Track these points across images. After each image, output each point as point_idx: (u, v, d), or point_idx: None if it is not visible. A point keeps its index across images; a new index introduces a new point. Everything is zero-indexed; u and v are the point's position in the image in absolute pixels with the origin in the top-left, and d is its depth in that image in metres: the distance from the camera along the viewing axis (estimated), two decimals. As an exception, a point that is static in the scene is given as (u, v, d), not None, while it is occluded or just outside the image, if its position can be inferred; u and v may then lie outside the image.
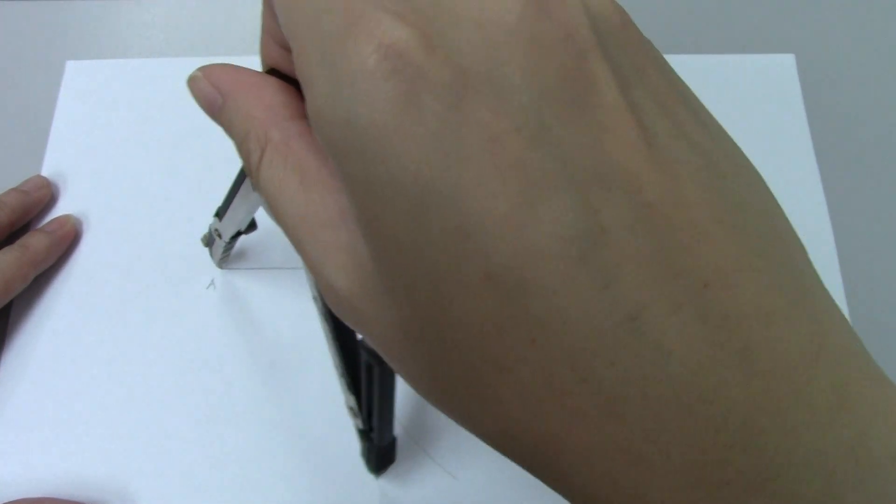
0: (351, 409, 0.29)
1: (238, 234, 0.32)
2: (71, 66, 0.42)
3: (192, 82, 0.19)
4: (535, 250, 0.13)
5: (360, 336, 0.25)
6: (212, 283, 0.37)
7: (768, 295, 0.13)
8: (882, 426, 0.13)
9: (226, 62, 0.19)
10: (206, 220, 0.35)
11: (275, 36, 0.18)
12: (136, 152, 0.40)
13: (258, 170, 0.17)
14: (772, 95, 0.40)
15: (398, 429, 0.33)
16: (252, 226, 0.32)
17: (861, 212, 0.38)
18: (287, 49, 0.16)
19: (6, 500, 0.32)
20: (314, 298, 0.26)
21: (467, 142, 0.13)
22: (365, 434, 0.30)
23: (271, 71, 0.19)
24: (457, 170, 0.13)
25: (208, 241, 0.35)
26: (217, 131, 0.42)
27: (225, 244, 0.33)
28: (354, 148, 0.14)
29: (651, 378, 0.12)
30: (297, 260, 0.38)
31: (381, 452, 0.31)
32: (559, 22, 0.14)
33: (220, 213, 0.31)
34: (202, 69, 0.19)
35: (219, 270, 0.37)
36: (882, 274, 0.36)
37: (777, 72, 0.41)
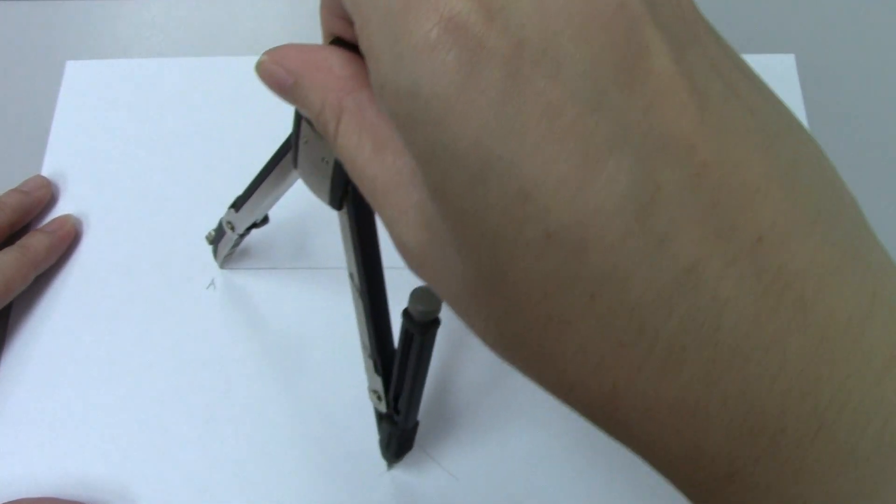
0: (375, 392, 0.29)
1: (253, 225, 0.32)
2: (71, 66, 0.42)
3: (260, 67, 0.20)
4: (593, 210, 0.13)
5: (405, 306, 0.25)
6: (212, 283, 0.37)
7: (822, 249, 0.13)
8: None
9: (290, 45, 0.20)
10: (205, 220, 0.35)
11: (333, 10, 0.19)
12: (136, 152, 0.40)
13: (335, 138, 0.18)
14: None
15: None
16: (265, 219, 0.32)
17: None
18: (346, 20, 0.17)
19: (6, 500, 0.32)
20: (350, 276, 0.26)
21: (526, 109, 0.13)
22: (387, 418, 0.29)
23: (335, 41, 0.20)
24: (517, 136, 0.14)
25: (215, 237, 0.35)
26: (217, 131, 0.42)
27: (236, 238, 0.33)
28: (418, 118, 0.14)
29: (708, 328, 0.13)
30: (296, 260, 0.38)
31: (402, 437, 0.31)
32: None
33: (237, 204, 0.31)
34: (268, 53, 0.20)
35: (219, 270, 0.37)
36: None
37: (777, 72, 0.41)
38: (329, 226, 0.37)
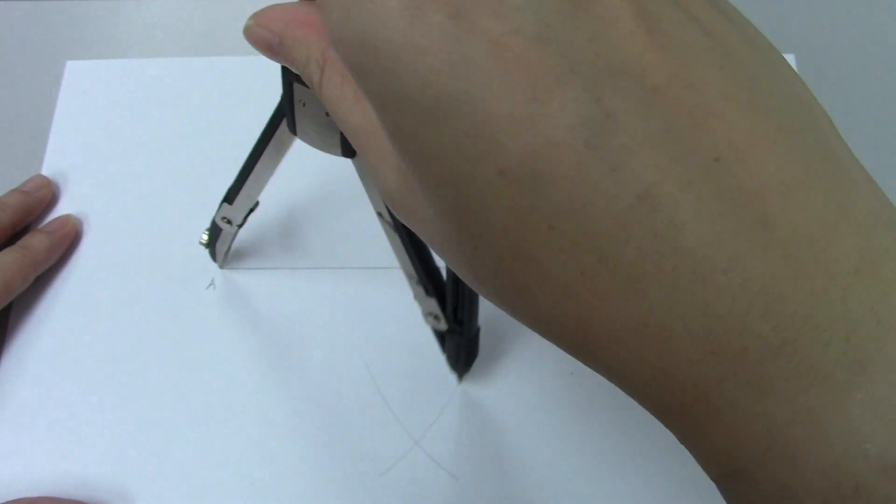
0: (431, 314, 0.30)
1: (249, 212, 0.32)
2: (71, 66, 0.42)
3: (248, 31, 0.21)
4: (544, 142, 0.13)
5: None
6: (212, 282, 0.37)
7: (786, 165, 0.13)
8: None
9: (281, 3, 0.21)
10: (206, 220, 0.35)
11: None
12: (136, 152, 0.40)
13: (320, 87, 0.19)
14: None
15: (400, 430, 0.33)
16: (256, 204, 0.33)
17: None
18: None
19: (6, 500, 0.32)
20: (378, 214, 0.26)
21: (471, 48, 0.14)
22: (450, 333, 0.30)
23: None
24: (463, 76, 0.14)
25: (211, 238, 0.35)
26: (217, 131, 0.42)
27: (235, 230, 0.33)
28: (369, 66, 0.15)
29: (666, 252, 0.13)
30: (297, 259, 0.38)
31: (470, 346, 0.31)
32: None
33: (230, 197, 0.31)
34: (254, 17, 0.20)
35: (219, 270, 0.37)
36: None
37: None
38: (329, 225, 0.37)
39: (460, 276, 0.17)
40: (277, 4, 0.21)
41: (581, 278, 0.14)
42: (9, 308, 0.36)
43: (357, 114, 0.18)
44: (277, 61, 0.20)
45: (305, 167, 0.39)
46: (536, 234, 0.14)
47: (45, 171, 0.39)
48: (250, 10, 0.21)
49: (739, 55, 0.14)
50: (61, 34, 0.43)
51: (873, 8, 0.43)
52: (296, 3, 0.20)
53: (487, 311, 0.35)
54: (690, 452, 0.15)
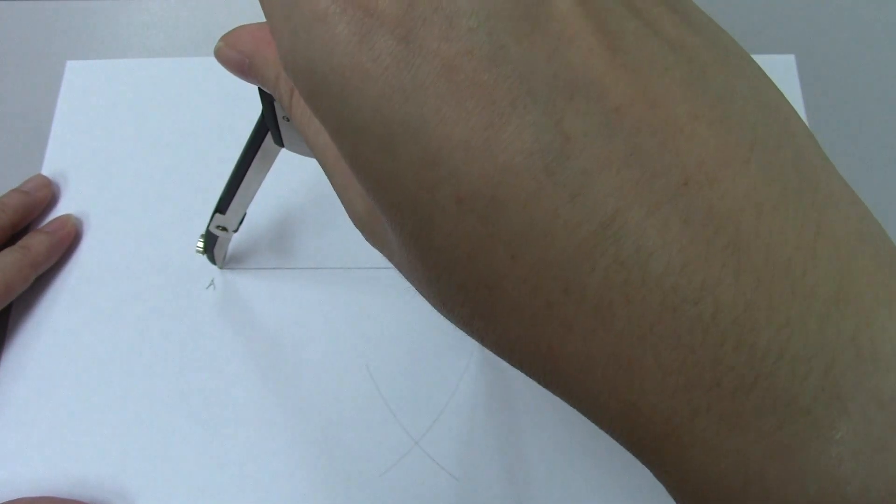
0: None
1: (243, 217, 0.33)
2: (71, 66, 0.42)
3: (218, 53, 0.20)
4: (501, 169, 0.13)
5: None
6: (212, 282, 0.37)
7: (760, 185, 0.13)
8: (887, 317, 0.12)
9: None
10: (205, 220, 0.35)
11: None
12: (136, 152, 0.40)
13: (290, 108, 0.19)
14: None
15: (400, 430, 0.33)
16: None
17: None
18: None
19: (6, 500, 0.32)
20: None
21: (422, 72, 0.13)
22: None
23: None
24: (415, 101, 0.13)
25: (207, 246, 0.35)
26: (217, 131, 0.42)
27: (231, 235, 0.33)
28: (320, 93, 0.14)
29: (633, 282, 0.12)
30: (297, 260, 0.38)
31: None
32: None
33: (222, 207, 0.31)
34: (224, 38, 0.20)
35: (219, 271, 0.37)
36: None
37: (777, 72, 0.41)
38: (330, 225, 0.37)
39: (430, 304, 0.16)
40: (246, 25, 0.21)
41: (547, 308, 0.13)
42: (9, 308, 0.36)
43: (323, 136, 0.17)
44: (249, 82, 0.20)
45: (305, 167, 0.39)
46: (498, 263, 0.13)
47: (45, 171, 0.39)
48: (250, 11, 0.21)
49: (708, 69, 0.14)
50: (61, 34, 0.43)
51: (873, 8, 0.43)
52: (265, 23, 0.20)
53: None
54: (665, 487, 0.14)
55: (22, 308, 0.36)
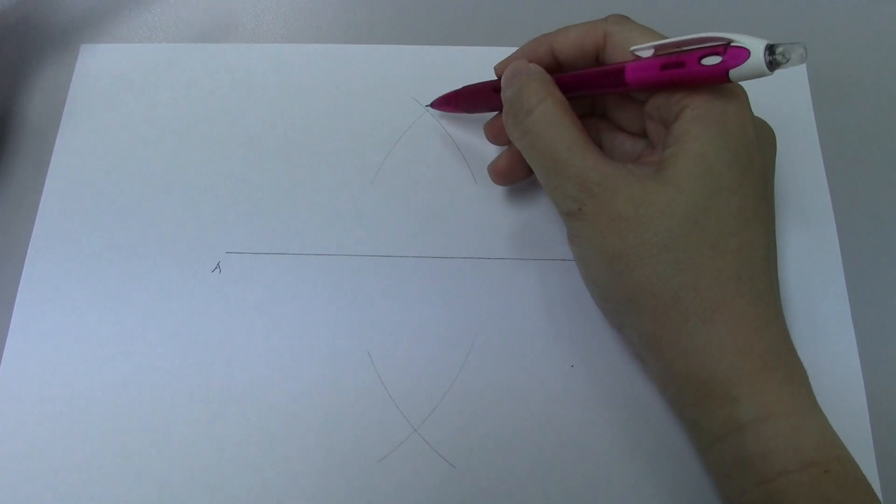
0: None
1: None
2: (85, 50, 0.42)
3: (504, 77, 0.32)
4: None
5: None
6: (217, 266, 0.37)
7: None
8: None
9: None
10: (213, 205, 0.35)
11: (528, 56, 0.33)
12: (146, 136, 0.40)
13: (531, 110, 0.30)
14: (781, 99, 0.40)
15: (399, 417, 0.34)
16: None
17: (863, 213, 0.38)
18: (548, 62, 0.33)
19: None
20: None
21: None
22: None
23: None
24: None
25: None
26: (228, 117, 0.42)
27: None
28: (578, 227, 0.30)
29: None
30: (303, 245, 0.38)
31: None
32: None
33: None
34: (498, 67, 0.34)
35: (224, 255, 0.37)
36: (885, 271, 0.37)
37: (786, 76, 0.41)
38: (336, 212, 0.38)
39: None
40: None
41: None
42: (13, 291, 0.37)
43: (566, 132, 0.30)
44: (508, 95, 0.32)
45: (315, 155, 0.39)
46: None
47: (55, 154, 0.40)
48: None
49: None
50: (76, 17, 0.44)
51: (886, 11, 0.43)
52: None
53: (486, 309, 0.35)
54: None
55: (26, 292, 0.37)
